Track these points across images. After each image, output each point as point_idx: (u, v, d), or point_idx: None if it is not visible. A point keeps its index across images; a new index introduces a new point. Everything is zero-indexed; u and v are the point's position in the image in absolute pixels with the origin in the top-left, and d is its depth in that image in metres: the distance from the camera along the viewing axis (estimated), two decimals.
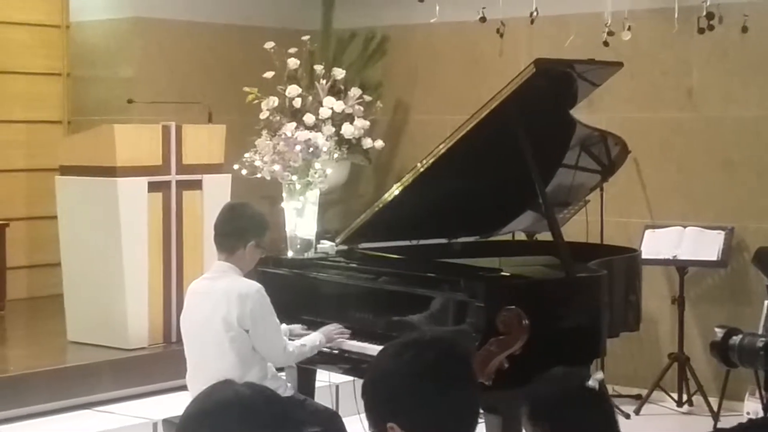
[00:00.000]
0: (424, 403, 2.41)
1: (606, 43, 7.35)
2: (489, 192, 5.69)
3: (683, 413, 7.52)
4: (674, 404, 7.57)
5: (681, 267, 7.52)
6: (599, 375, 2.98)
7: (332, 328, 5.23)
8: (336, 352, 5.27)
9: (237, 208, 5.23)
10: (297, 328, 5.36)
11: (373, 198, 6.55)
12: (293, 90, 8.14)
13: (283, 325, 5.21)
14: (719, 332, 3.52)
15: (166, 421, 5.47)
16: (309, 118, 8.06)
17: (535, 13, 7.50)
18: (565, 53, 7.10)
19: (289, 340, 5.17)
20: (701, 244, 7.43)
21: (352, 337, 5.26)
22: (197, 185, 7.26)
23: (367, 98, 8.37)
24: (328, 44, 8.91)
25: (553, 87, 5.41)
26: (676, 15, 7.35)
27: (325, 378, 6.00)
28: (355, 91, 8.29)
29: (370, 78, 8.87)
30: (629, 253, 6.00)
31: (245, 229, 5.07)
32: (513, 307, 4.70)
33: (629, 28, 7.44)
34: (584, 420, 2.95)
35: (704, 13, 7.25)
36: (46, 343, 7.31)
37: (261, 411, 2.37)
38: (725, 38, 7.51)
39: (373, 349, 5.13)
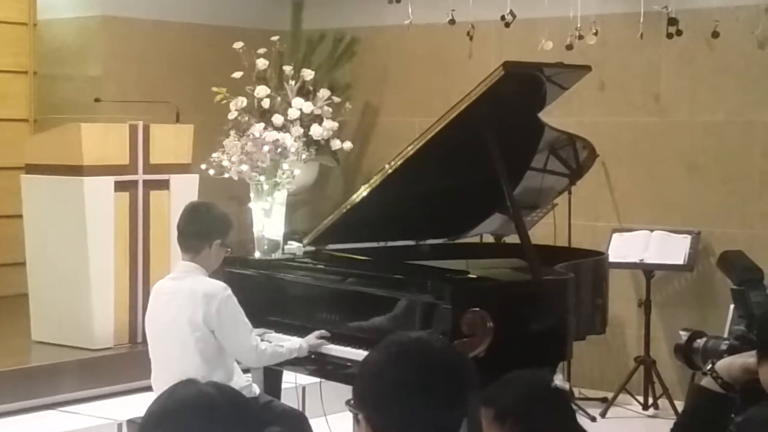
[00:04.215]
0: (405, 412, 2.38)
1: (570, 47, 7.37)
2: (457, 194, 5.70)
3: (649, 416, 7.55)
4: (640, 407, 7.60)
5: (648, 270, 7.55)
6: (559, 377, 2.99)
7: (315, 335, 5.20)
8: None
9: (200, 208, 5.21)
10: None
11: (341, 199, 6.53)
12: (262, 90, 8.11)
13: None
14: (684, 335, 3.53)
15: (130, 422, 5.45)
16: (277, 119, 8.04)
17: (510, 17, 7.51)
18: (534, 56, 7.11)
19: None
20: (668, 248, 7.47)
21: None
22: (164, 185, 7.22)
23: (336, 99, 8.36)
24: (298, 45, 8.89)
25: (521, 90, 5.43)
26: (641, 20, 7.38)
27: (291, 379, 5.98)
28: (324, 92, 8.27)
29: (339, 79, 8.86)
30: (596, 257, 6.02)
31: (210, 229, 5.06)
32: (477, 309, 4.71)
33: (596, 33, 7.47)
34: (551, 420, 2.95)
35: (669, 18, 7.28)
36: (10, 343, 7.24)
37: (225, 411, 2.34)
38: (693, 44, 7.55)
39: (339, 350, 5.13)
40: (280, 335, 5.37)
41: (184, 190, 7.17)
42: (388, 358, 2.40)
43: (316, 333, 5.21)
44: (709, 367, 3.07)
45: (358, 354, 4.92)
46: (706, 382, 3.04)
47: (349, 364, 5.00)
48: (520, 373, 3.08)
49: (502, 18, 7.55)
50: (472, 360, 2.54)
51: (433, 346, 2.43)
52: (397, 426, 2.36)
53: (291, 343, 5.14)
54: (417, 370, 2.37)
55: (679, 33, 7.33)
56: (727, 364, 3.04)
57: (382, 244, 5.98)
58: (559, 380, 2.97)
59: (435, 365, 2.38)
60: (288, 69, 8.28)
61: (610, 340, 7.55)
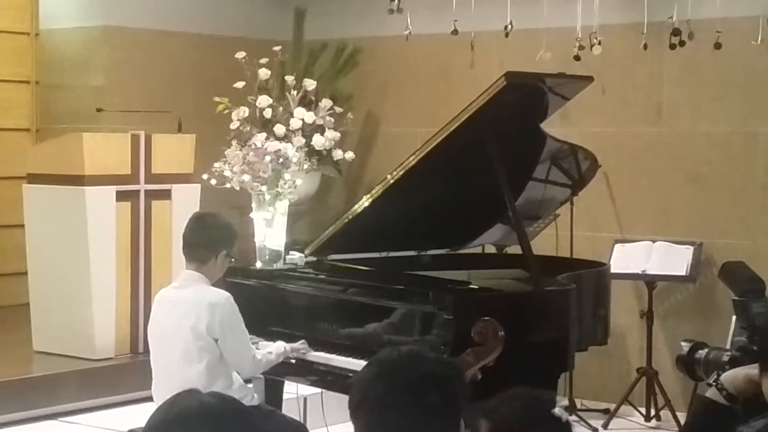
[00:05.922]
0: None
1: (577, 58, 7.36)
2: (459, 205, 5.70)
3: (651, 428, 7.54)
4: (642, 418, 7.58)
5: (650, 281, 7.54)
6: (560, 405, 2.95)
7: (298, 343, 5.26)
8: (303, 363, 5.26)
9: (206, 219, 5.21)
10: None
11: (343, 209, 6.53)
12: (264, 100, 8.12)
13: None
14: (685, 346, 3.53)
15: None
16: (279, 129, 8.04)
17: (509, 27, 7.50)
18: (536, 67, 7.10)
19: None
20: (670, 259, 7.46)
21: (320, 348, 5.25)
22: (166, 195, 7.23)
23: (338, 109, 8.36)
24: (300, 55, 8.89)
25: (523, 100, 5.43)
26: (644, 31, 7.37)
27: (293, 390, 5.97)
28: (325, 103, 8.28)
29: (341, 89, 8.86)
30: (598, 267, 6.01)
31: (216, 239, 5.06)
32: (489, 318, 4.71)
33: (600, 43, 7.45)
34: None
35: (673, 29, 7.27)
36: (11, 353, 7.24)
37: (226, 421, 2.34)
38: (696, 54, 7.54)
39: (340, 360, 5.13)
40: (269, 342, 5.37)
41: (186, 200, 7.17)
42: (377, 373, 2.41)
43: (299, 342, 5.27)
44: (714, 379, 3.06)
45: (360, 364, 4.89)
46: (711, 393, 3.03)
47: (350, 374, 4.99)
48: (523, 390, 3.05)
49: (505, 28, 7.54)
50: (462, 371, 2.53)
51: (422, 360, 2.43)
52: None
53: (276, 348, 5.18)
54: (406, 385, 2.38)
55: (682, 44, 7.31)
56: (731, 376, 3.04)
57: (383, 254, 5.97)
58: (558, 410, 2.92)
59: (424, 379, 2.39)
60: (290, 79, 8.29)
61: (612, 351, 7.53)
